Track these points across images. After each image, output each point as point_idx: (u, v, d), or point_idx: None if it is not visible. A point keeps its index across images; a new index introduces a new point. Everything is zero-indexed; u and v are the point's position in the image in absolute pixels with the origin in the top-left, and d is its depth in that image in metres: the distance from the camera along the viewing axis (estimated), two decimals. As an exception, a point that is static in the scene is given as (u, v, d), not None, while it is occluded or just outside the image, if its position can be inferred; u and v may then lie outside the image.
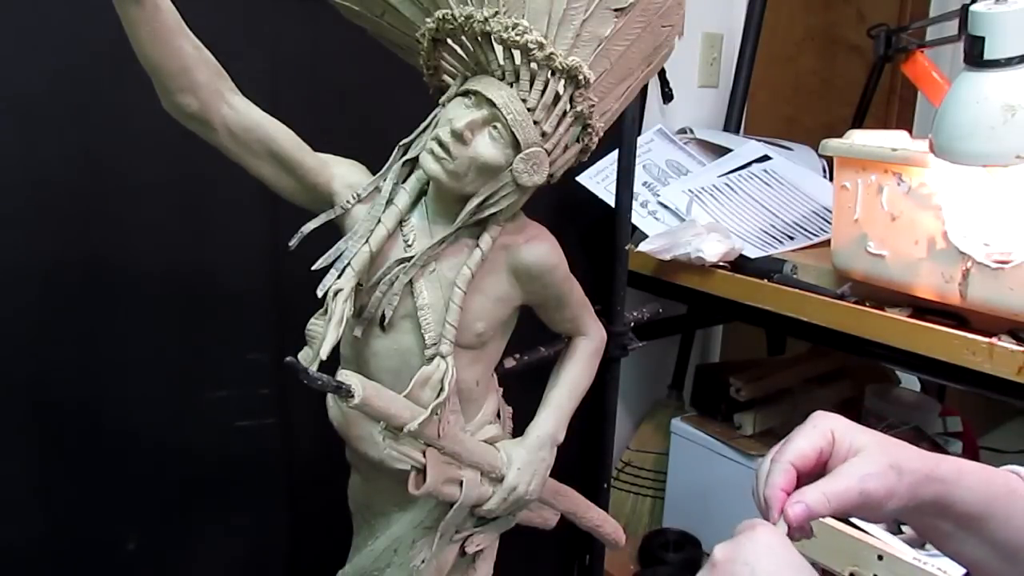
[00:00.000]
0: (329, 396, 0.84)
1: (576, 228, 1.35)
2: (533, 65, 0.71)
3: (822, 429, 0.63)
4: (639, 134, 1.49)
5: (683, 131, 1.72)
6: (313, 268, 0.75)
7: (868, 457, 0.61)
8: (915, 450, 0.62)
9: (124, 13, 0.67)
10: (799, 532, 0.60)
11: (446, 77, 0.80)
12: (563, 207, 1.15)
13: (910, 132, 1.30)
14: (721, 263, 1.32)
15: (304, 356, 0.74)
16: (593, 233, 1.39)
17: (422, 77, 0.82)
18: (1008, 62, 0.89)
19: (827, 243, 1.26)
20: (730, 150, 1.59)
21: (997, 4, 0.89)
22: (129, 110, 0.96)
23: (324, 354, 0.72)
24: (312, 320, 0.76)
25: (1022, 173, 0.97)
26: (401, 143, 0.80)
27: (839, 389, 1.70)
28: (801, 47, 2.14)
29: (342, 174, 0.80)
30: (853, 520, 1.07)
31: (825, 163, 1.63)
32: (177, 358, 1.11)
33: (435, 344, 0.78)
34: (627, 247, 1.34)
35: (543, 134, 0.73)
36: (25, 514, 1.04)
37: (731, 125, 1.79)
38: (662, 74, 1.69)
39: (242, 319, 1.14)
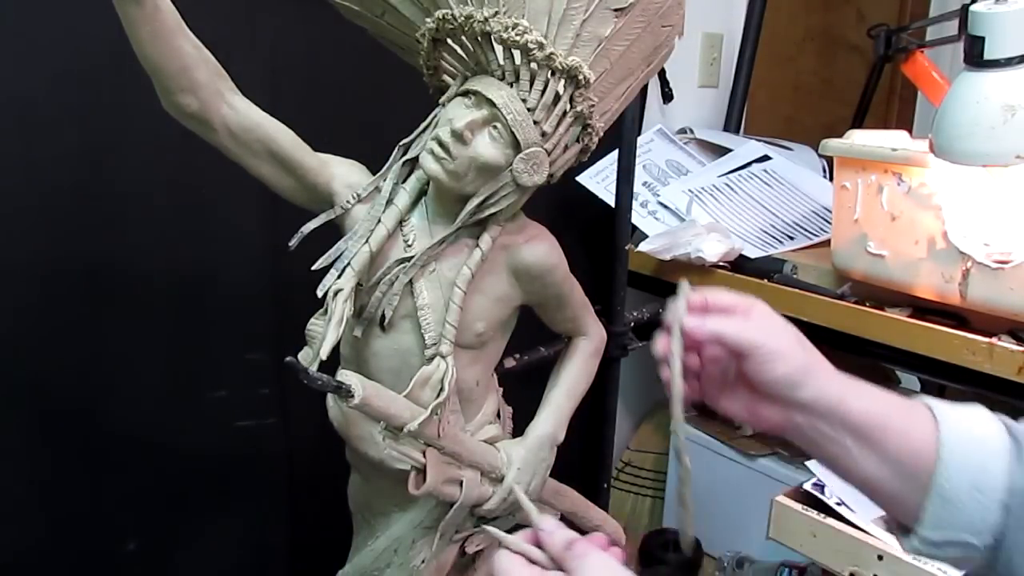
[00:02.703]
0: (329, 396, 0.84)
1: (576, 228, 1.35)
2: (533, 65, 0.71)
3: (753, 299, 0.65)
4: (639, 134, 1.49)
5: (683, 131, 1.72)
6: (313, 268, 0.75)
7: (775, 322, 0.63)
8: (829, 366, 0.64)
9: (124, 13, 0.67)
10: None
11: (446, 77, 0.80)
12: (563, 207, 1.15)
13: (910, 132, 1.30)
14: (721, 263, 1.32)
15: (304, 356, 0.74)
16: (593, 233, 1.39)
17: (422, 77, 0.82)
18: (1008, 62, 0.89)
19: (827, 243, 1.26)
20: (730, 150, 1.59)
21: (997, 4, 0.89)
22: (129, 110, 0.96)
23: (324, 354, 0.72)
24: (312, 320, 0.76)
25: (1022, 173, 0.97)
26: (401, 143, 0.80)
27: (839, 389, 1.69)
28: (801, 47, 2.14)
29: (342, 174, 0.80)
30: (853, 520, 1.07)
31: (825, 163, 1.63)
32: (177, 358, 1.11)
33: (435, 344, 0.78)
34: (627, 247, 1.34)
35: (543, 134, 0.73)
36: (25, 514, 1.04)
37: (731, 125, 1.79)
38: (662, 74, 1.69)
39: (242, 319, 1.14)
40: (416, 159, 0.77)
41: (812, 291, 1.22)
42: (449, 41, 0.76)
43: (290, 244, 0.77)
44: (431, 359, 0.78)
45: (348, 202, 0.79)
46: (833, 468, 0.65)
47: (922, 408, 0.64)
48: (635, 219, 1.38)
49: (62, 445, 1.05)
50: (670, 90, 1.72)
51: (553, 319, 0.89)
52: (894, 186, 1.10)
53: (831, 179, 1.37)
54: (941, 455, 0.60)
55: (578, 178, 1.42)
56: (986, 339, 1.02)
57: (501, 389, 0.92)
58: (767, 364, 0.61)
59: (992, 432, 0.61)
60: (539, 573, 0.57)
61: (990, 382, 1.02)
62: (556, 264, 0.83)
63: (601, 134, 0.78)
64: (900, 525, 0.64)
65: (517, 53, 0.71)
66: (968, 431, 0.61)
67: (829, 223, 1.34)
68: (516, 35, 0.69)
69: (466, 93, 0.74)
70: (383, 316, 0.78)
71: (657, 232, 1.39)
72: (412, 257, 0.77)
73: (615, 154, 1.31)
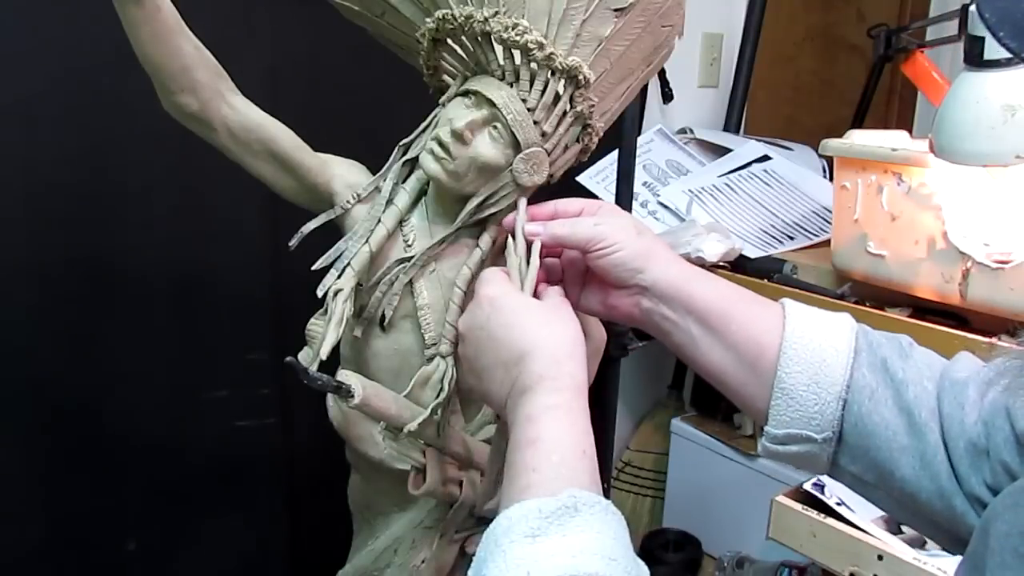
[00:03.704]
0: (329, 396, 0.84)
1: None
2: (533, 65, 0.71)
3: (601, 201, 0.69)
4: (639, 134, 1.49)
5: (683, 131, 1.72)
6: (313, 268, 0.75)
7: (614, 216, 0.67)
8: (674, 254, 0.67)
9: (125, 13, 0.67)
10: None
11: (446, 77, 0.80)
12: (563, 207, 1.15)
13: (910, 132, 1.30)
14: (721, 263, 1.32)
15: (304, 356, 0.74)
16: (593, 233, 1.39)
17: (422, 77, 0.82)
18: (1008, 62, 0.89)
19: (827, 243, 1.26)
20: (730, 150, 1.59)
21: (997, 4, 0.89)
22: (129, 111, 0.96)
23: (324, 354, 0.72)
24: (312, 320, 0.76)
25: (1022, 173, 0.97)
26: (401, 143, 0.80)
27: (839, 389, 1.69)
28: (801, 47, 2.14)
29: (342, 174, 0.80)
30: (853, 520, 1.07)
31: (825, 163, 1.63)
32: (177, 358, 1.11)
33: (435, 344, 0.78)
34: (627, 247, 1.34)
35: (543, 134, 0.73)
36: (25, 514, 1.04)
37: (731, 125, 1.79)
38: (662, 74, 1.69)
39: (242, 319, 1.14)
40: (416, 159, 0.77)
41: (812, 291, 1.22)
42: (449, 41, 0.76)
43: (290, 244, 0.77)
44: (431, 359, 0.78)
45: (348, 202, 0.78)
46: (685, 358, 0.68)
47: (774, 304, 0.66)
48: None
49: (62, 445, 1.05)
50: (670, 90, 1.72)
51: (553, 319, 0.89)
52: (894, 186, 1.10)
53: (831, 179, 1.37)
54: (784, 349, 0.62)
55: (578, 178, 1.42)
56: (986, 339, 1.02)
57: (501, 389, 0.92)
58: (605, 253, 0.65)
59: (840, 331, 0.63)
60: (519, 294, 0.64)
61: (990, 382, 1.02)
62: (556, 264, 0.83)
63: (601, 134, 0.78)
64: (760, 429, 0.66)
65: (517, 53, 0.71)
66: (814, 328, 0.63)
67: (829, 223, 1.34)
68: (516, 35, 0.69)
69: (466, 93, 0.74)
70: (383, 316, 0.78)
71: (657, 232, 1.39)
72: (412, 257, 0.77)
73: (615, 154, 1.31)
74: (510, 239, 0.71)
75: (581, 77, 0.72)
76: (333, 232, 0.79)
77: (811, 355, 0.61)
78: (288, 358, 0.68)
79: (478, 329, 0.62)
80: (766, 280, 1.28)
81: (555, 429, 0.55)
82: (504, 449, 0.73)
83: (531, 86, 0.72)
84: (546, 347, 0.59)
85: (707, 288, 0.65)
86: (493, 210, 0.76)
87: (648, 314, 0.67)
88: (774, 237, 1.40)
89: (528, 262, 0.68)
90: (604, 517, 0.48)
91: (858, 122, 1.83)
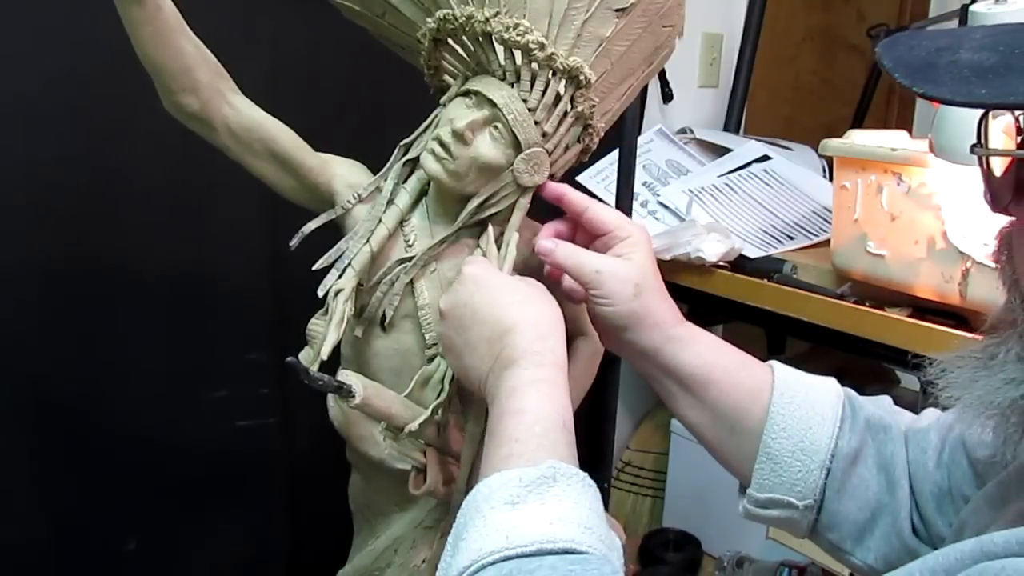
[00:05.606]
0: (330, 396, 0.84)
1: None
2: (534, 65, 0.71)
3: (632, 228, 0.69)
4: (639, 134, 1.49)
5: (683, 131, 1.72)
6: (314, 268, 0.75)
7: (624, 264, 0.67)
8: (667, 302, 0.67)
9: (125, 13, 0.67)
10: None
11: (447, 77, 0.80)
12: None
13: (910, 132, 1.30)
14: (721, 263, 1.32)
15: (305, 356, 0.74)
16: (593, 233, 1.39)
17: (423, 77, 0.82)
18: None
19: (827, 243, 1.26)
20: (730, 150, 1.59)
21: (997, 4, 0.89)
22: (129, 110, 0.96)
23: (325, 354, 0.72)
24: (313, 320, 0.76)
25: (1022, 173, 0.97)
26: (402, 143, 0.80)
27: (839, 389, 1.70)
28: (801, 47, 2.14)
29: (343, 174, 0.80)
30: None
31: (825, 163, 1.63)
32: (177, 358, 1.11)
33: (436, 344, 0.78)
34: (627, 247, 1.34)
35: (544, 134, 0.73)
36: (25, 514, 1.04)
37: (731, 125, 1.79)
38: (662, 74, 1.69)
39: (242, 319, 1.14)
40: (417, 159, 0.77)
41: (812, 291, 1.22)
42: (450, 41, 0.76)
43: (290, 244, 0.77)
44: (432, 359, 0.78)
45: (349, 202, 0.79)
46: (665, 404, 0.70)
47: (760, 368, 0.67)
48: (635, 219, 1.37)
49: (62, 445, 1.05)
50: (670, 90, 1.72)
51: (553, 319, 0.89)
52: (894, 186, 1.10)
53: (831, 179, 1.37)
54: (771, 415, 0.63)
55: (578, 178, 1.42)
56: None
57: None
58: (595, 300, 0.67)
59: (827, 397, 0.64)
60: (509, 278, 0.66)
61: (990, 382, 1.02)
62: (556, 264, 0.83)
63: (602, 134, 0.78)
64: (741, 487, 0.67)
65: (518, 53, 0.71)
66: (801, 394, 0.64)
67: (829, 223, 1.34)
68: (517, 35, 0.69)
69: (467, 93, 0.74)
70: (384, 316, 0.78)
71: (657, 232, 1.39)
72: (413, 257, 0.77)
73: (615, 154, 1.31)
74: (490, 227, 0.74)
75: (582, 77, 0.72)
76: (333, 232, 0.79)
77: (797, 422, 0.63)
78: (289, 358, 0.68)
79: (462, 306, 0.63)
80: (766, 280, 1.28)
81: (538, 402, 0.56)
82: (479, 439, 0.74)
83: (532, 86, 0.72)
84: (530, 323, 0.61)
85: (687, 355, 0.66)
86: (494, 210, 0.76)
87: (631, 360, 0.69)
88: (774, 237, 1.40)
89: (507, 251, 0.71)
90: (581, 488, 0.50)
91: (858, 122, 1.83)
